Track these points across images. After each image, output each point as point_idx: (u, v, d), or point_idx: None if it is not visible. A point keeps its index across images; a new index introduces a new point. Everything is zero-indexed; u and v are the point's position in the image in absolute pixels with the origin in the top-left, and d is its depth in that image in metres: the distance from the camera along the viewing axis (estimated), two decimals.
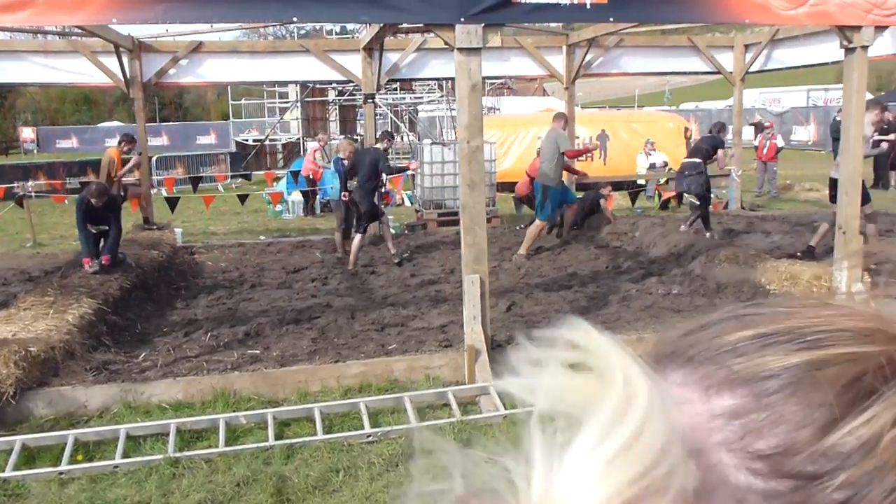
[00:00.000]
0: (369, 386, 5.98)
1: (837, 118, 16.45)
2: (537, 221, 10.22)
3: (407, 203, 16.44)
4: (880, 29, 6.65)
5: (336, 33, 22.60)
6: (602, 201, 11.61)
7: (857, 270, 6.81)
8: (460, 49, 5.58)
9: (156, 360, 6.28)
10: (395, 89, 21.38)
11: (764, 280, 7.56)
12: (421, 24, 6.39)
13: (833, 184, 8.93)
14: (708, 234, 9.90)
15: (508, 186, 16.10)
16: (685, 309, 7.34)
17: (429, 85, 22.35)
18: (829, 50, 9.48)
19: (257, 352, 6.67)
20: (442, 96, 20.73)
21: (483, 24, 5.55)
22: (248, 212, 15.99)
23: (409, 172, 13.85)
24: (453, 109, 21.73)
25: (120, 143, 11.09)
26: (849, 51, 6.62)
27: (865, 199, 8.75)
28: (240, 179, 19.94)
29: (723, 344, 0.45)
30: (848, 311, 0.45)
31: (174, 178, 18.43)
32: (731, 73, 12.80)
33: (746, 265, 7.93)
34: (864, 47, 6.53)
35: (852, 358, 0.41)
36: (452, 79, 18.32)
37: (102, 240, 8.47)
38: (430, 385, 6.01)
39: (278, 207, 15.74)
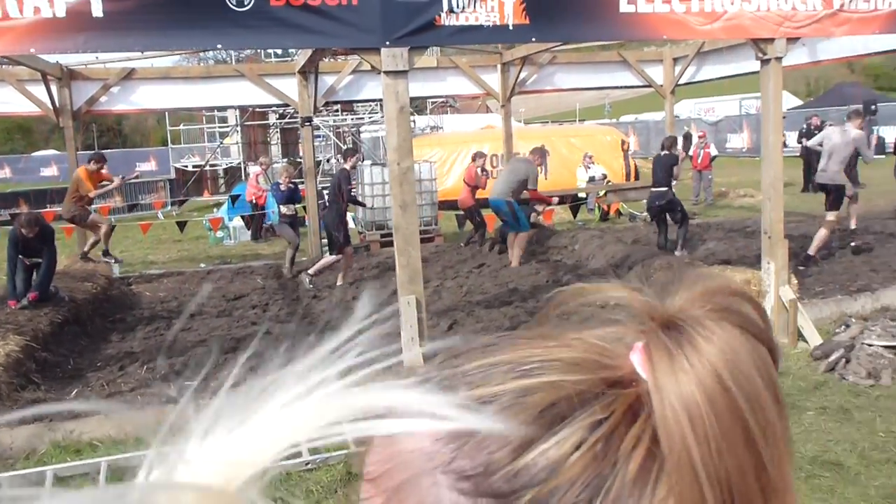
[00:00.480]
0: None
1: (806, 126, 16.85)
2: (521, 234, 10.44)
3: (351, 224, 16.37)
4: (793, 40, 6.91)
5: (276, 56, 22.48)
6: (533, 215, 11.78)
7: (784, 274, 7.04)
8: (387, 72, 5.62)
9: (88, 397, 6.12)
10: (337, 111, 21.35)
11: None
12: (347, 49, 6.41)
13: (821, 188, 9.68)
14: (680, 251, 10.17)
15: (451, 204, 16.16)
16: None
17: (370, 105, 22.37)
18: (752, 61, 9.80)
19: (194, 383, 6.55)
20: (383, 116, 20.76)
21: (408, 48, 5.59)
22: (189, 239, 15.73)
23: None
24: None
25: (89, 161, 10.71)
26: (764, 62, 6.86)
27: (838, 205, 9.26)
28: (180, 206, 19.63)
29: (459, 372, 0.48)
30: (571, 342, 0.49)
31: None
32: (661, 85, 13.12)
33: (681, 273, 8.08)
34: (778, 58, 6.77)
35: (554, 386, 0.44)
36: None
37: (35, 272, 8.23)
38: None
39: (219, 234, 15.53)
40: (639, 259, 8.86)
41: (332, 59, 11.38)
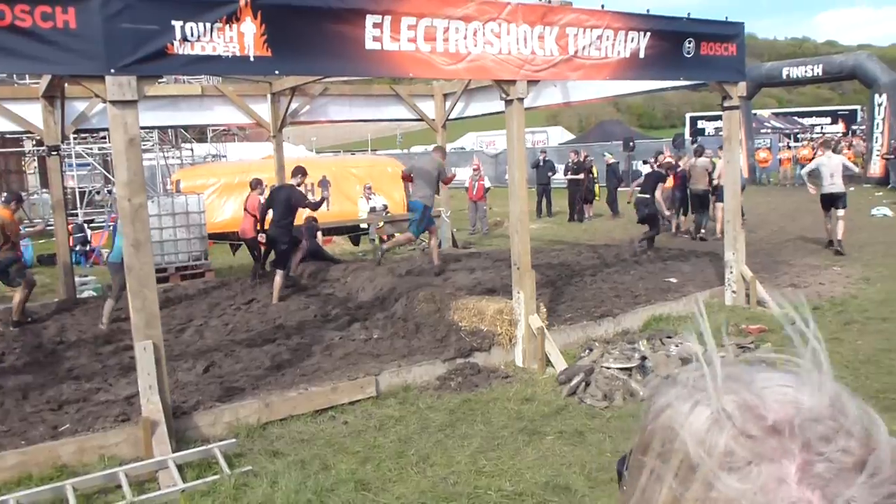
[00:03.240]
0: (30, 477, 5.30)
1: (570, 160, 18.14)
2: (408, 234, 11.35)
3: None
4: (533, 83, 7.33)
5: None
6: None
7: (532, 303, 7.38)
8: (113, 102, 5.22)
9: None
10: (104, 137, 19.84)
11: (457, 317, 7.91)
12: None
13: (830, 197, 13.22)
14: (640, 248, 12.78)
15: (230, 236, 15.55)
16: (384, 353, 7.44)
17: (142, 133, 21.10)
18: None
19: None
20: (154, 144, 19.64)
21: (137, 76, 5.24)
22: None
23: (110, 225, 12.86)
24: (168, 157, 20.70)
25: (10, 202, 9.88)
26: (507, 102, 7.21)
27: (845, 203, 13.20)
28: None
29: None
30: None
31: None
32: (433, 120, 13.51)
33: (442, 304, 8.26)
34: (520, 99, 7.15)
35: None
36: (162, 127, 17.43)
37: None
38: (105, 466, 5.46)
39: None
40: (404, 291, 8.94)
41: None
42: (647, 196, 12.97)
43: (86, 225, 15.61)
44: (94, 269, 14.40)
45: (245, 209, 12.41)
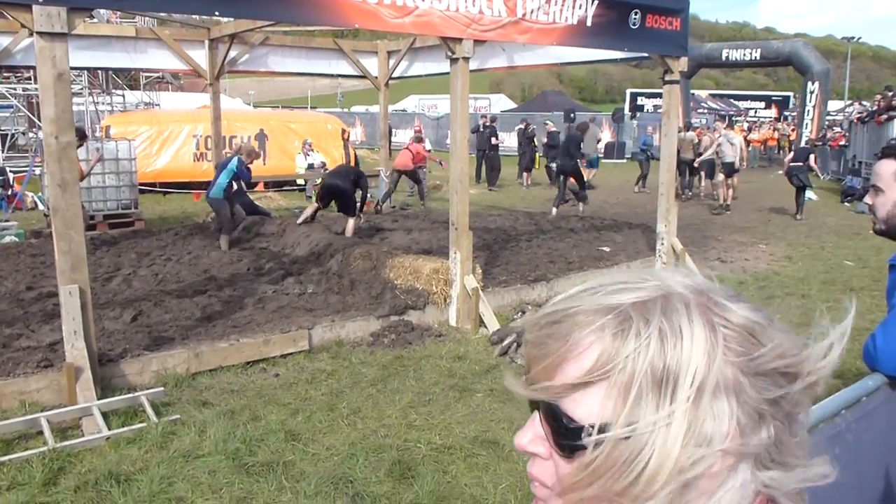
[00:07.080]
0: None
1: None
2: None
3: (40, 206, 14.66)
4: (480, 42, 7.29)
5: None
6: None
7: (469, 263, 7.42)
8: (41, 33, 4.97)
9: None
10: (29, 77, 18.84)
11: (392, 276, 7.90)
12: None
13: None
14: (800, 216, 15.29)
15: (173, 185, 15.20)
16: (318, 308, 7.39)
17: (72, 73, 20.18)
18: None
19: None
20: (83, 88, 18.79)
21: (68, 7, 4.99)
22: None
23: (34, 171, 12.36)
24: (98, 102, 19.92)
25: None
26: (453, 61, 7.16)
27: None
28: None
29: None
30: None
31: None
32: (376, 77, 13.32)
33: (378, 262, 8.23)
34: (466, 58, 7.10)
35: None
36: (94, 68, 16.73)
37: None
38: (26, 412, 5.30)
39: None
40: (340, 247, 8.87)
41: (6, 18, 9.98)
42: (801, 164, 15.09)
43: (7, 169, 14.92)
44: (16, 215, 13.83)
45: (408, 148, 15.10)
